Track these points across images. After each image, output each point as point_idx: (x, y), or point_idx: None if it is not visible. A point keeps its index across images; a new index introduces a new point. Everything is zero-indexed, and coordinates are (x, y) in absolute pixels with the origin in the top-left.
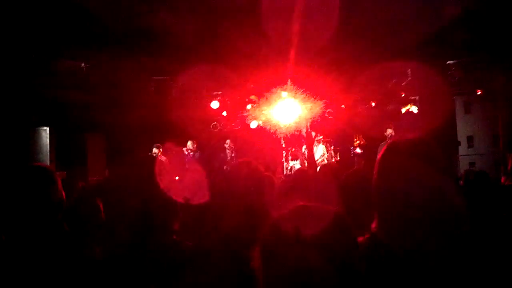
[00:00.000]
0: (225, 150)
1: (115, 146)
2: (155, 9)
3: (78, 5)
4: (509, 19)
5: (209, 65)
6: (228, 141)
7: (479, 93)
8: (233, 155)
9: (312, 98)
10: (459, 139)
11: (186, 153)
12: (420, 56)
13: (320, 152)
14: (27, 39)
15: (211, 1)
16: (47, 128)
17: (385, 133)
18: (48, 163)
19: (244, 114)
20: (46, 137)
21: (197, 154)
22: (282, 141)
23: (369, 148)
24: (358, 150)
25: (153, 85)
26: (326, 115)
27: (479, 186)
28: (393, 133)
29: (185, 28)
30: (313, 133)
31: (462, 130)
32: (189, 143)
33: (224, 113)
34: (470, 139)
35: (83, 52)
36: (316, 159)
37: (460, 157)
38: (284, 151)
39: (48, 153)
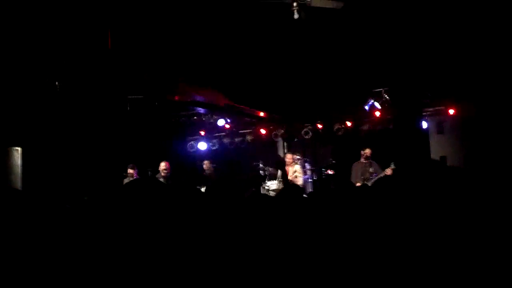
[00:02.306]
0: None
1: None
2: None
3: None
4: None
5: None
6: (206, 161)
7: (452, 113)
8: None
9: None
10: (432, 158)
11: (163, 174)
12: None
13: (293, 170)
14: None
15: None
16: (19, 148)
17: (362, 151)
18: (19, 183)
19: (221, 134)
20: (18, 157)
21: (168, 175)
22: (260, 162)
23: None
24: (329, 172)
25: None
26: (303, 134)
27: None
28: (368, 154)
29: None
30: (289, 155)
31: (435, 150)
32: (162, 164)
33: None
34: (443, 159)
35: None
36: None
37: None
38: (261, 171)
39: (20, 174)
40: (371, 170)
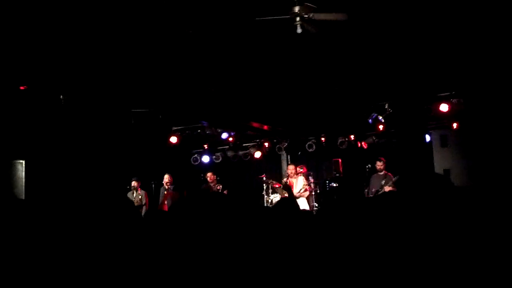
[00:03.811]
0: (207, 182)
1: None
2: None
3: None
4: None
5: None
6: (209, 173)
7: (455, 126)
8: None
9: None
10: (436, 172)
11: (167, 187)
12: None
13: (300, 183)
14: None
15: None
16: (23, 161)
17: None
18: (23, 196)
19: (225, 147)
20: (22, 170)
21: (172, 187)
22: (263, 175)
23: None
24: (333, 184)
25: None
26: (306, 147)
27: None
28: (379, 166)
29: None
30: (291, 167)
31: (439, 164)
32: (166, 176)
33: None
34: (446, 172)
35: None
36: (297, 191)
37: None
38: (264, 184)
39: (24, 187)
40: (382, 182)
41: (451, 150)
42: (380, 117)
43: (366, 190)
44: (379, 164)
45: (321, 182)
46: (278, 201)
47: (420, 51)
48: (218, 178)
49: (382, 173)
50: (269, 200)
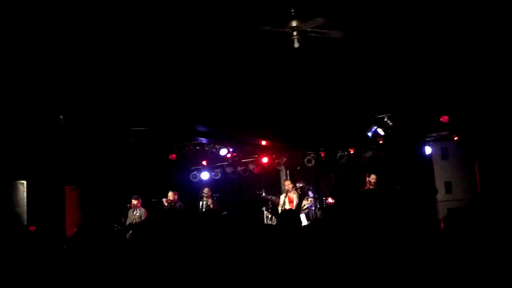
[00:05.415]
0: (202, 198)
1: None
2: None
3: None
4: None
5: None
6: (206, 189)
7: (456, 138)
8: (211, 203)
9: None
10: (436, 184)
11: (166, 204)
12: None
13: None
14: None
15: None
16: (25, 182)
17: (368, 178)
18: (25, 216)
19: (224, 163)
20: (24, 190)
21: (178, 204)
22: (262, 190)
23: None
24: (330, 200)
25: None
26: (306, 162)
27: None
28: (373, 180)
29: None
30: (287, 182)
31: (440, 176)
32: (170, 194)
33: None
34: (447, 184)
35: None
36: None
37: (438, 203)
38: (264, 200)
39: (25, 207)
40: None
41: (452, 162)
42: (380, 130)
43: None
44: (373, 178)
45: (320, 197)
46: (282, 213)
47: (419, 63)
48: (216, 194)
49: (373, 187)
50: (269, 216)
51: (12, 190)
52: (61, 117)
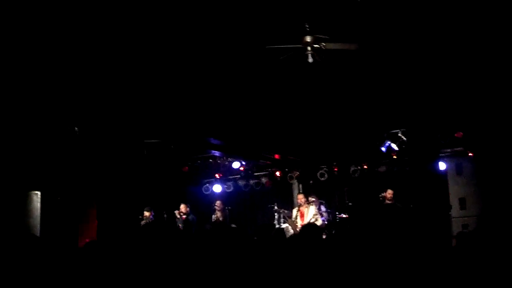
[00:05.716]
0: (215, 211)
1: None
2: None
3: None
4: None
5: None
6: (218, 202)
7: (470, 154)
8: (220, 216)
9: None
10: (451, 200)
11: (179, 216)
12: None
13: (312, 213)
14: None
15: None
16: (39, 192)
17: (383, 194)
18: (38, 227)
19: (236, 176)
20: (38, 201)
21: (190, 217)
22: (274, 204)
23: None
24: (343, 215)
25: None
26: (318, 176)
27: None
28: (389, 195)
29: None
30: (300, 196)
31: (454, 192)
32: (182, 206)
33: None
34: (462, 201)
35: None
36: (308, 220)
37: (452, 219)
38: (276, 213)
39: (39, 217)
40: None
41: (466, 178)
42: (394, 145)
43: None
44: (389, 193)
45: (333, 212)
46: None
47: (434, 79)
48: (228, 207)
49: (390, 202)
50: (281, 220)
51: (26, 200)
52: (76, 129)
